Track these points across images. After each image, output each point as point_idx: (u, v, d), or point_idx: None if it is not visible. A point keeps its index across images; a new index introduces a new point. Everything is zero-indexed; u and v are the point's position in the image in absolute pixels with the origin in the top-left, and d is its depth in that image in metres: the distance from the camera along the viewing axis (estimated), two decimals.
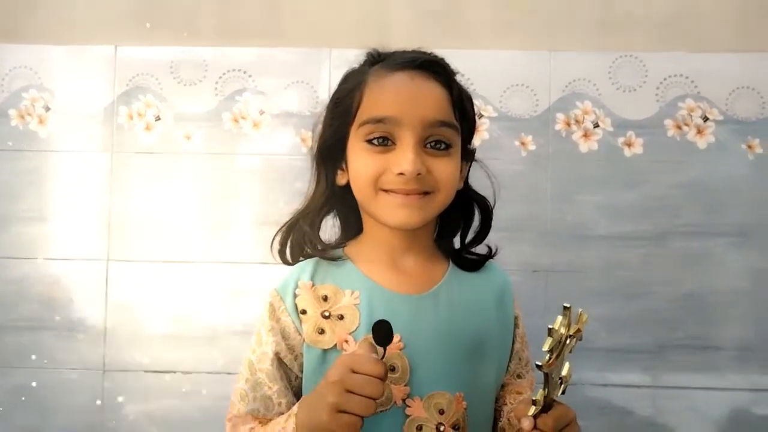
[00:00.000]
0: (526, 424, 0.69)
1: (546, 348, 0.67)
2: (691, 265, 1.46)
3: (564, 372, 0.71)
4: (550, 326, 0.67)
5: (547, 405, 0.70)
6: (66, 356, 1.50)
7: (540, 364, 0.67)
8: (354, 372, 0.69)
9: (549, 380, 0.69)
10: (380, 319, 0.73)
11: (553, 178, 1.49)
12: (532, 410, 0.69)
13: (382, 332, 0.72)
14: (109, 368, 1.50)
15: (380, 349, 0.72)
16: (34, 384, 1.50)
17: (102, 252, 1.51)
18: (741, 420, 1.44)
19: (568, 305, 0.68)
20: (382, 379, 0.69)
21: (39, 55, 1.54)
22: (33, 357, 1.50)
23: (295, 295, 0.84)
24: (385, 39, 1.49)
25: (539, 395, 0.69)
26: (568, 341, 0.69)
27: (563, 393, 0.72)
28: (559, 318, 0.68)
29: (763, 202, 1.46)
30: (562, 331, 0.68)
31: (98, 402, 1.50)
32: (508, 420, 0.87)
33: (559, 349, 0.68)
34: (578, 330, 0.69)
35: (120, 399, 1.49)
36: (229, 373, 1.47)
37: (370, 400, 0.68)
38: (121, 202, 1.52)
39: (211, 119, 1.52)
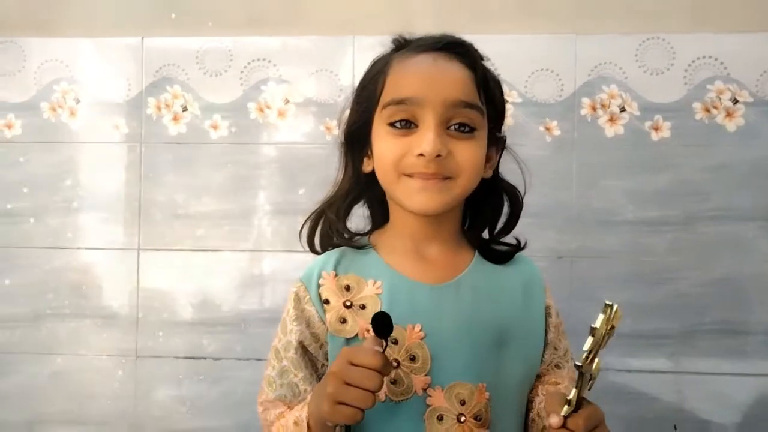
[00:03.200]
0: (555, 421, 0.68)
1: (587, 347, 0.66)
2: (720, 250, 1.44)
3: (593, 368, 0.70)
4: (593, 326, 0.66)
5: (577, 403, 0.69)
6: (100, 343, 1.54)
7: (580, 364, 0.66)
8: (353, 364, 0.70)
9: (583, 379, 0.68)
10: (380, 311, 0.73)
11: (578, 163, 1.47)
12: (565, 410, 0.68)
13: (380, 324, 0.71)
14: (141, 354, 1.54)
15: (382, 341, 0.72)
16: (68, 370, 1.54)
17: (133, 241, 1.55)
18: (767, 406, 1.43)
19: (610, 302, 0.67)
20: (381, 372, 0.69)
21: (68, 49, 1.56)
22: (67, 344, 1.55)
23: (318, 285, 0.84)
24: (408, 25, 1.49)
25: (573, 395, 0.68)
26: (604, 339, 0.68)
27: (590, 389, 0.71)
28: (601, 317, 0.66)
29: None
30: (603, 330, 0.66)
31: (131, 388, 1.54)
32: (538, 412, 0.87)
33: (597, 348, 0.67)
34: (612, 327, 0.68)
35: (152, 385, 1.53)
36: (258, 359, 1.50)
37: (368, 393, 0.68)
38: (150, 192, 1.55)
39: (237, 109, 1.54)
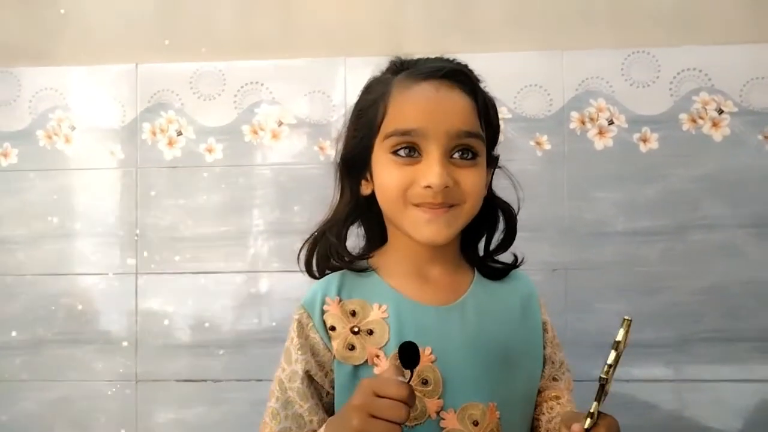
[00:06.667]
0: (577, 428, 0.70)
1: (611, 361, 0.68)
2: (711, 258, 1.46)
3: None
4: (617, 339, 0.69)
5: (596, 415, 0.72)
6: (100, 369, 1.54)
7: (604, 377, 0.69)
8: (378, 396, 0.68)
9: (603, 392, 0.70)
10: (406, 340, 0.71)
11: (569, 176, 1.50)
12: (588, 423, 0.70)
13: (408, 354, 0.70)
14: (141, 378, 1.54)
15: (407, 372, 0.70)
16: (70, 396, 1.54)
17: (131, 265, 1.55)
18: (766, 411, 1.44)
19: (629, 318, 0.69)
20: (407, 402, 0.67)
21: (63, 77, 1.58)
22: (68, 370, 1.55)
23: (323, 312, 0.83)
24: (398, 45, 1.53)
25: (594, 408, 0.70)
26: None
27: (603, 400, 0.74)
28: (621, 331, 0.69)
29: None
30: (624, 344, 0.69)
31: (132, 412, 1.53)
32: (547, 430, 0.87)
33: (618, 361, 0.70)
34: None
35: (153, 408, 1.53)
36: (258, 380, 1.50)
37: (395, 425, 0.67)
38: (147, 216, 1.56)
39: (231, 132, 1.55)
